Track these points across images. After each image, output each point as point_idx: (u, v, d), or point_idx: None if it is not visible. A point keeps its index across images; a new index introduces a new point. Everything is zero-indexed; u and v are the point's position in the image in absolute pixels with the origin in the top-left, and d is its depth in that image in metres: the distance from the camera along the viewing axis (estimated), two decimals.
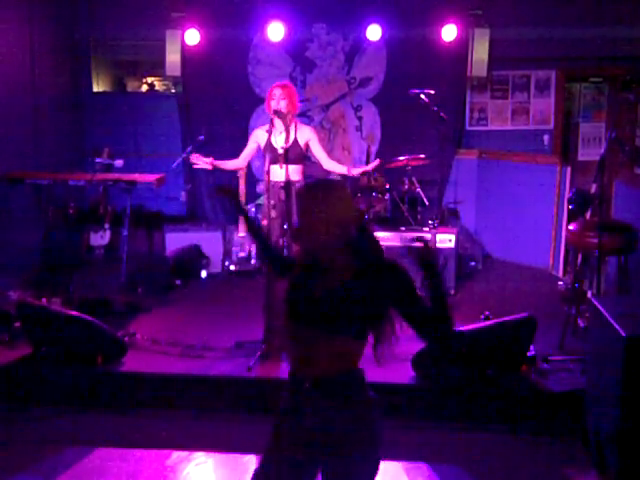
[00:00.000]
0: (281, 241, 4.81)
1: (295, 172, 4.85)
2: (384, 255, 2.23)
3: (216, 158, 4.78)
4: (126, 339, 4.87)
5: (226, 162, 5.18)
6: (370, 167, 5.24)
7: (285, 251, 4.99)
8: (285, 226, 4.98)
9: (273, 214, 4.83)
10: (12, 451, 3.92)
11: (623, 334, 3.22)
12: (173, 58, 7.40)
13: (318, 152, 4.96)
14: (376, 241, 2.24)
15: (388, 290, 2.16)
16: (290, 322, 2.27)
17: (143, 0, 7.68)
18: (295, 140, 4.83)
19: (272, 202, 4.82)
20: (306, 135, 4.87)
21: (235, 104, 7.77)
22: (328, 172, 7.40)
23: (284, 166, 4.73)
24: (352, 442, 2.19)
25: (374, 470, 2.25)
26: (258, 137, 4.95)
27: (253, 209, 7.07)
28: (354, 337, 2.20)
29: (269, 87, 4.95)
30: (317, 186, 2.27)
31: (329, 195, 2.20)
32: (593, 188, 5.17)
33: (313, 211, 2.18)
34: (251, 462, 3.85)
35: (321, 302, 2.19)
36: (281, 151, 4.72)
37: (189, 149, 7.24)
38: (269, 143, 4.77)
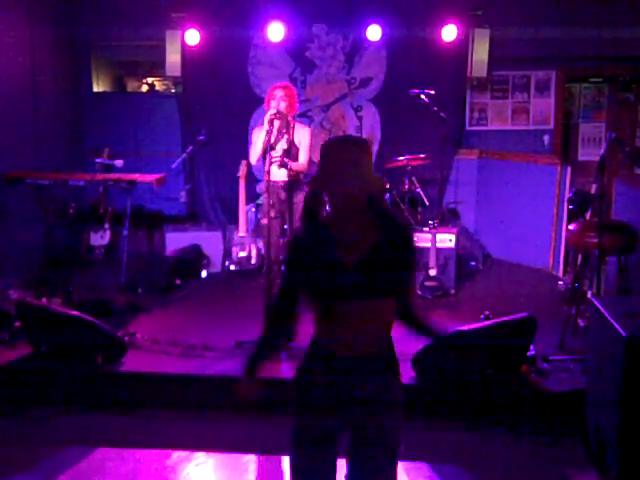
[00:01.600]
0: (281, 241, 4.81)
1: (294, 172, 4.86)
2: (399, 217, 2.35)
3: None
4: (126, 339, 4.87)
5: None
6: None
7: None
8: (285, 226, 4.99)
9: (272, 213, 4.83)
10: (12, 451, 3.93)
11: (623, 334, 3.22)
12: (173, 58, 7.40)
13: (301, 154, 4.90)
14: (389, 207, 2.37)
15: (408, 253, 2.28)
16: (324, 301, 2.26)
17: (143, 0, 7.68)
18: (293, 141, 4.84)
19: (271, 201, 4.82)
20: (301, 135, 4.88)
21: (235, 104, 7.77)
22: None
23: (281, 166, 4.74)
24: (386, 403, 2.32)
25: (401, 425, 2.40)
26: (258, 136, 4.95)
27: (253, 209, 7.08)
28: (390, 302, 2.28)
29: (269, 87, 4.95)
30: (352, 140, 2.33)
31: (362, 150, 2.25)
32: (593, 188, 5.17)
33: (348, 162, 2.19)
34: (251, 462, 3.86)
35: (355, 272, 2.20)
36: (280, 152, 4.72)
37: (189, 149, 7.28)
38: (269, 144, 4.77)
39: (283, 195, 4.88)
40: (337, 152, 2.23)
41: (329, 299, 2.24)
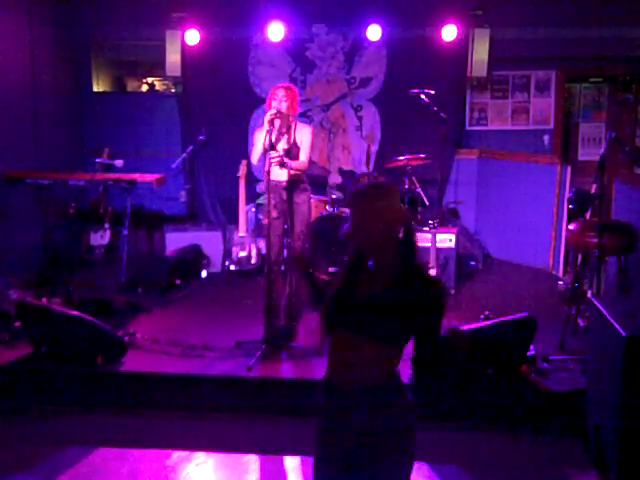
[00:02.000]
0: (283, 241, 4.81)
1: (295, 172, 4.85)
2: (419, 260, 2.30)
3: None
4: (126, 339, 4.87)
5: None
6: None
7: (285, 251, 4.99)
8: (286, 225, 4.99)
9: (274, 214, 4.83)
10: (12, 451, 3.93)
11: (623, 334, 3.22)
12: (173, 58, 7.40)
13: (301, 153, 4.88)
14: (417, 247, 2.31)
15: (421, 300, 2.21)
16: (334, 328, 2.31)
17: (143, 0, 7.68)
18: (294, 141, 4.84)
19: (273, 202, 4.82)
20: (303, 134, 4.88)
21: (235, 104, 7.77)
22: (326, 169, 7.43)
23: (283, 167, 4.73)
24: (394, 446, 2.27)
25: (410, 472, 2.32)
26: (260, 136, 4.95)
27: (253, 209, 7.07)
28: (394, 341, 2.26)
29: (269, 87, 4.95)
30: (373, 188, 2.34)
31: (384, 198, 2.27)
32: (593, 188, 5.17)
33: (369, 212, 2.25)
34: (251, 462, 3.86)
35: (364, 306, 2.24)
36: (281, 152, 4.71)
37: (189, 149, 7.28)
38: (269, 143, 4.77)
39: (285, 195, 4.87)
40: (361, 202, 2.29)
41: (337, 327, 2.30)
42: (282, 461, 3.90)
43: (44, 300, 5.25)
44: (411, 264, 2.27)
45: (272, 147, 4.65)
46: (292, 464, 3.88)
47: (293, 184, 4.86)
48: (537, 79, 7.85)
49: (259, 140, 4.81)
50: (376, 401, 2.26)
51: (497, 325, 4.40)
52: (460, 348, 2.30)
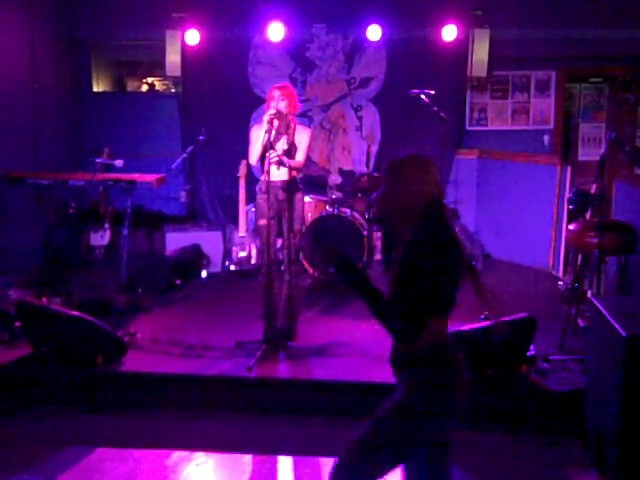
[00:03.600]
0: (279, 241, 4.81)
1: (293, 172, 4.86)
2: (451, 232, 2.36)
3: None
4: (126, 339, 4.87)
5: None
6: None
7: (285, 251, 4.99)
8: (284, 225, 4.99)
9: (271, 213, 4.84)
10: (12, 451, 3.92)
11: (623, 334, 3.22)
12: (173, 58, 7.40)
13: (298, 154, 4.88)
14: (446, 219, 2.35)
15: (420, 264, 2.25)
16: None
17: (143, 0, 7.68)
18: (293, 141, 4.85)
19: (270, 202, 4.82)
20: (300, 136, 4.89)
21: (235, 104, 7.77)
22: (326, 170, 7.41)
23: (280, 166, 4.74)
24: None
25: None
26: (258, 135, 4.95)
27: (253, 209, 7.07)
28: (420, 310, 2.26)
29: (269, 88, 4.95)
30: (412, 158, 2.42)
31: (420, 167, 2.37)
32: (593, 188, 5.17)
33: (402, 181, 2.34)
34: (251, 462, 3.86)
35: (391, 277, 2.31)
36: (280, 152, 4.72)
37: (189, 149, 7.28)
38: (268, 143, 4.77)
39: (281, 195, 4.88)
40: (398, 170, 2.39)
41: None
42: (282, 461, 3.90)
43: (44, 300, 5.26)
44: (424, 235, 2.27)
45: (271, 147, 4.65)
46: (292, 464, 3.88)
47: (289, 184, 4.89)
48: (537, 79, 7.85)
49: (257, 139, 4.81)
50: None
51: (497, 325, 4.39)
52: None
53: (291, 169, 4.84)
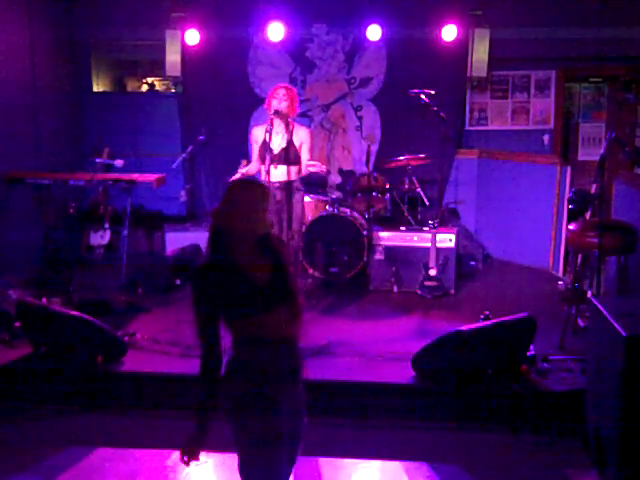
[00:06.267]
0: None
1: (292, 172, 4.87)
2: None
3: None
4: (126, 339, 4.87)
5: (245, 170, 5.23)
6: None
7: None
8: (285, 225, 5.00)
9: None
10: (12, 451, 3.93)
11: (623, 334, 3.22)
12: (173, 58, 7.40)
13: (304, 153, 4.98)
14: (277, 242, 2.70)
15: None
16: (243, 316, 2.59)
17: (143, 0, 7.68)
18: (291, 141, 4.86)
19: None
20: (300, 136, 4.90)
21: (235, 104, 7.77)
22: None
23: (279, 166, 4.76)
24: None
25: None
26: (257, 136, 4.96)
27: None
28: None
29: (269, 87, 4.97)
30: (249, 185, 2.65)
31: (257, 194, 2.57)
32: (593, 188, 5.17)
33: (243, 203, 2.53)
34: None
35: (263, 288, 2.54)
36: (277, 151, 4.74)
37: (189, 149, 7.28)
38: (267, 143, 4.78)
39: (279, 195, 4.89)
40: (236, 194, 2.57)
41: (246, 313, 2.57)
42: None
43: (44, 300, 5.25)
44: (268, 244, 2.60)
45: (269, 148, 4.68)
46: None
47: (288, 184, 4.90)
48: (537, 79, 7.85)
49: (257, 139, 4.85)
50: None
51: (497, 325, 4.40)
52: None
53: (323, 171, 4.96)
